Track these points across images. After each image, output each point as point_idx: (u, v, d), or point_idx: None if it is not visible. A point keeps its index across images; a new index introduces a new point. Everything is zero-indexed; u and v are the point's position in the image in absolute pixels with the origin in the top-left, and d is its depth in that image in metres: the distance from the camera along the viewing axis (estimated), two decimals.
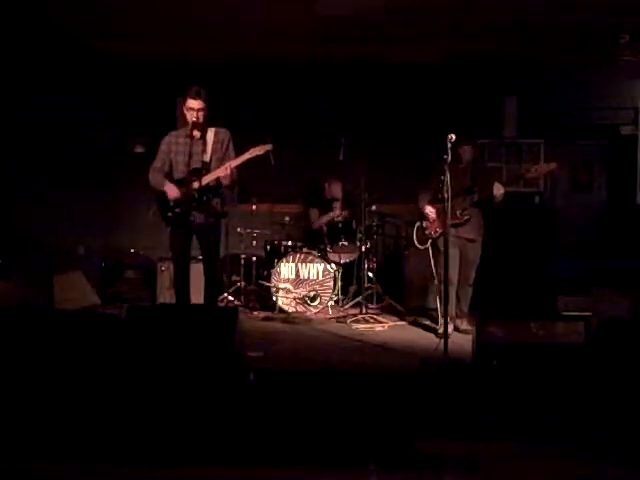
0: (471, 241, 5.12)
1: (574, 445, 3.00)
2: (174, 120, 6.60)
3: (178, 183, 4.47)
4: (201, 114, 4.42)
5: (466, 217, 5.01)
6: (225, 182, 4.47)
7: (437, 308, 5.18)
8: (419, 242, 5.31)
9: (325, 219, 6.57)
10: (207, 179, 4.39)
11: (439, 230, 5.06)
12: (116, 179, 7.23)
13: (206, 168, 4.43)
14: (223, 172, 4.39)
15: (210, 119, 4.53)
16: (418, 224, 5.32)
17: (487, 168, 5.94)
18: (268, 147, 4.50)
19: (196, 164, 4.43)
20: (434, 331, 5.20)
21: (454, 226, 4.78)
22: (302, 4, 5.48)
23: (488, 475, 2.78)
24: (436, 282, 5.16)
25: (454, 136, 4.16)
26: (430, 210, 5.17)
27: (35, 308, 4.99)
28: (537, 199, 7.46)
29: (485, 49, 6.70)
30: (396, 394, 3.51)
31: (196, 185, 4.39)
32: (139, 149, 7.34)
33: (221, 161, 4.49)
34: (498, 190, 4.87)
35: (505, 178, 6.74)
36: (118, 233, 7.27)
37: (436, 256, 5.13)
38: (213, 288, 4.65)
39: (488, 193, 4.93)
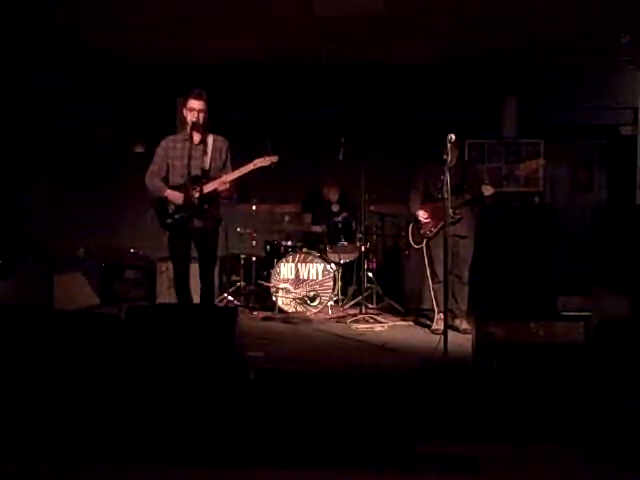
0: (463, 237, 5.17)
1: (574, 445, 3.00)
2: (174, 120, 6.61)
3: (176, 189, 4.46)
4: (201, 115, 4.42)
5: (459, 215, 5.07)
6: (224, 194, 4.50)
7: (431, 307, 5.23)
8: (415, 242, 5.37)
9: (317, 229, 6.59)
10: (208, 188, 4.40)
11: (434, 229, 5.16)
12: (116, 179, 7.24)
13: (206, 176, 4.43)
14: (222, 186, 4.42)
15: (210, 120, 4.53)
16: (412, 225, 5.39)
17: (476, 168, 5.96)
18: (274, 159, 4.48)
19: (195, 169, 4.42)
20: (428, 327, 5.29)
21: None
22: (302, 5, 5.48)
23: (488, 475, 2.78)
24: (429, 281, 5.20)
25: (454, 136, 4.17)
26: (423, 215, 5.25)
27: (35, 308, 4.99)
28: (537, 199, 7.47)
29: (484, 49, 6.71)
30: (396, 394, 3.51)
31: (197, 193, 4.39)
32: (139, 149, 7.35)
33: (220, 171, 4.50)
34: (487, 191, 5.03)
35: (503, 175, 6.77)
36: (118, 233, 7.27)
37: (430, 255, 5.19)
38: (209, 291, 4.66)
39: (478, 193, 5.04)
